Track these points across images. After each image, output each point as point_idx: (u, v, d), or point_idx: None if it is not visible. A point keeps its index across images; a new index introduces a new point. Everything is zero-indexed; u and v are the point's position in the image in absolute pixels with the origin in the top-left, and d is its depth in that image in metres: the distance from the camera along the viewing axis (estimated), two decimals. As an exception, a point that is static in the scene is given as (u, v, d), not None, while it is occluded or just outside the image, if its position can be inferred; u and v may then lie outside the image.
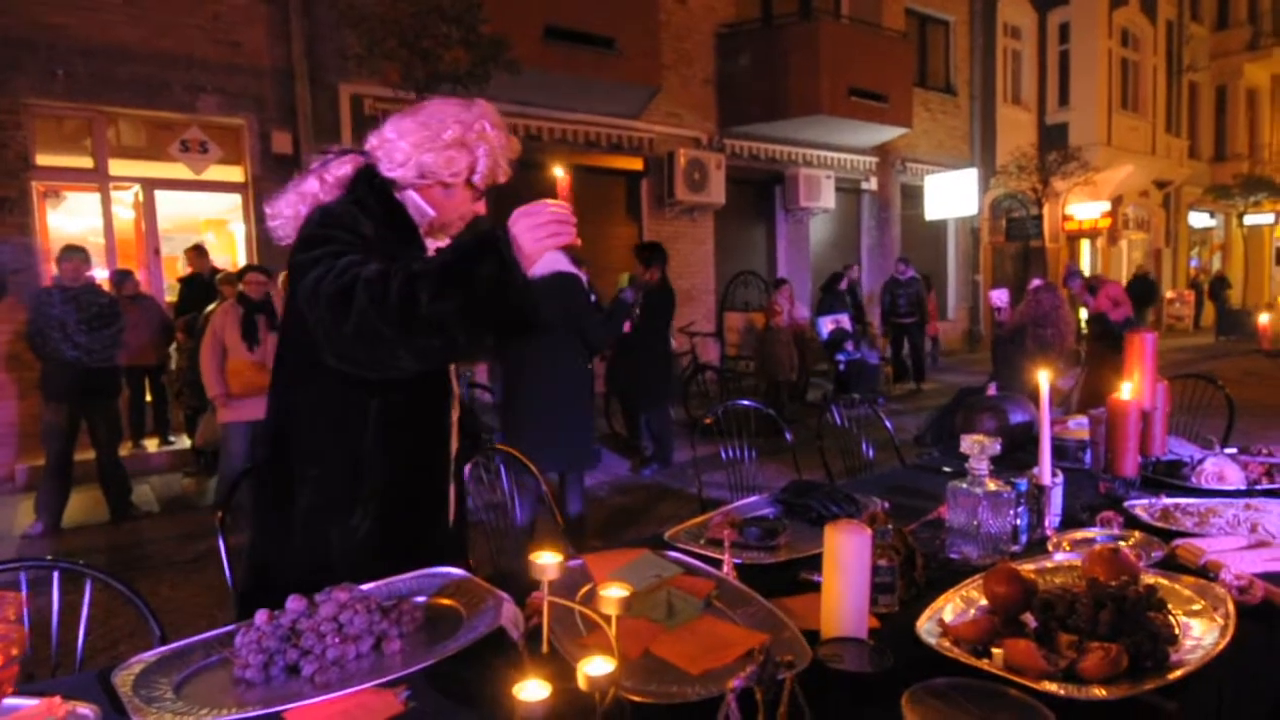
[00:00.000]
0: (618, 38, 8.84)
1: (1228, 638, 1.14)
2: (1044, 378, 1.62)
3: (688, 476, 5.94)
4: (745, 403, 3.14)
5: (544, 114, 9.29)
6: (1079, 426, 2.48)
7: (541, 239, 1.31)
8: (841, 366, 9.83)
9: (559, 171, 1.39)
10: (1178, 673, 1.07)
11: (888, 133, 12.24)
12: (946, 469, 2.34)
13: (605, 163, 10.15)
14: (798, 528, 1.81)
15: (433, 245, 1.67)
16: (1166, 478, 2.07)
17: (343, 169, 1.58)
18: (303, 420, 1.53)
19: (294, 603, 1.28)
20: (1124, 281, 16.00)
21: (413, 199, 1.58)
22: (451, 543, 1.69)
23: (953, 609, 1.32)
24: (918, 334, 10.89)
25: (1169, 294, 19.79)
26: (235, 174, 8.01)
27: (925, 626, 1.23)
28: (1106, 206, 16.53)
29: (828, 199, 12.04)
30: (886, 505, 1.92)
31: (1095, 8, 15.81)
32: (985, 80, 15.24)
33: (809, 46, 10.70)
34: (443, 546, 1.63)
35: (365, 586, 1.42)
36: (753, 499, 2.03)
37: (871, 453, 3.51)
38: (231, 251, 9.19)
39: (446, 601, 1.42)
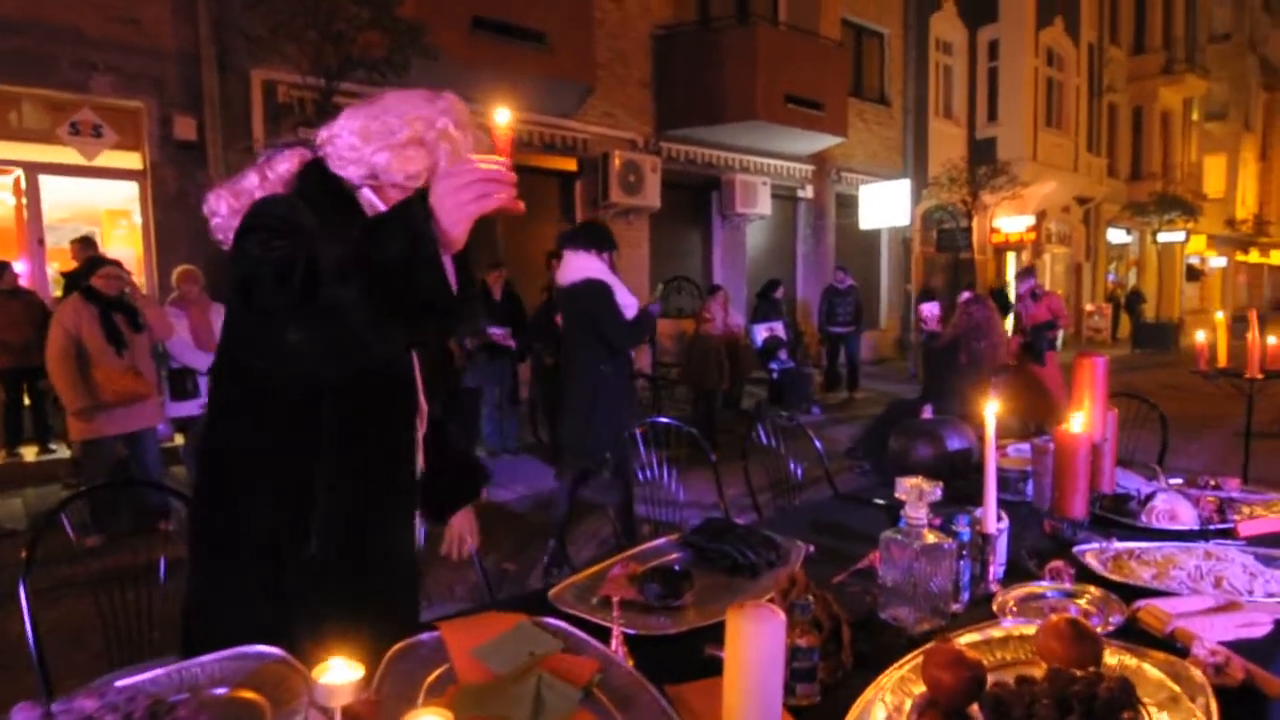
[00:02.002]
0: (549, 32, 8.53)
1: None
2: (990, 414, 1.41)
3: (615, 489, 5.67)
4: (664, 420, 2.89)
5: (472, 109, 8.91)
6: (1018, 454, 2.29)
7: (465, 203, 1.06)
8: (775, 375, 9.71)
9: (499, 117, 1.09)
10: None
11: (824, 141, 12.23)
12: (879, 500, 2.12)
13: (538, 162, 9.82)
14: (709, 578, 1.56)
15: None
16: (1114, 515, 1.90)
17: (286, 164, 1.42)
18: (242, 436, 1.37)
19: (21, 714, 0.95)
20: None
21: (366, 198, 1.41)
22: (407, 575, 1.52)
23: (885, 704, 1.07)
24: (854, 343, 10.87)
25: (1088, 307, 20.45)
26: (132, 160, 7.40)
27: (852, 736, 0.99)
28: (1032, 220, 16.95)
29: (764, 206, 11.96)
30: (811, 549, 1.69)
31: (1022, 27, 16.20)
32: (918, 93, 15.45)
33: (746, 51, 10.59)
34: (399, 579, 1.48)
35: (152, 674, 1.11)
36: (659, 542, 1.77)
37: (800, 472, 3.31)
38: (136, 244, 8.55)
39: (250, 695, 1.11)
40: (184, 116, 7.33)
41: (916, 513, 1.35)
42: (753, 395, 10.10)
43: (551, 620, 1.28)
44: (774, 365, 9.61)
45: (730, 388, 8.57)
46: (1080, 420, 1.68)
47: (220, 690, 1.11)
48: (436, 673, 1.17)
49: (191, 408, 5.67)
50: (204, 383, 5.79)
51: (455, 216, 1.06)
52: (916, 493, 1.34)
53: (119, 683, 1.05)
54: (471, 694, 1.11)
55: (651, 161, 10.56)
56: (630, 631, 1.28)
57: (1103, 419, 1.77)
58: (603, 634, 1.28)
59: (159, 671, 1.12)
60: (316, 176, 1.39)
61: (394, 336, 1.18)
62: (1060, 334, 7.46)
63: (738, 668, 0.95)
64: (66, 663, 3.07)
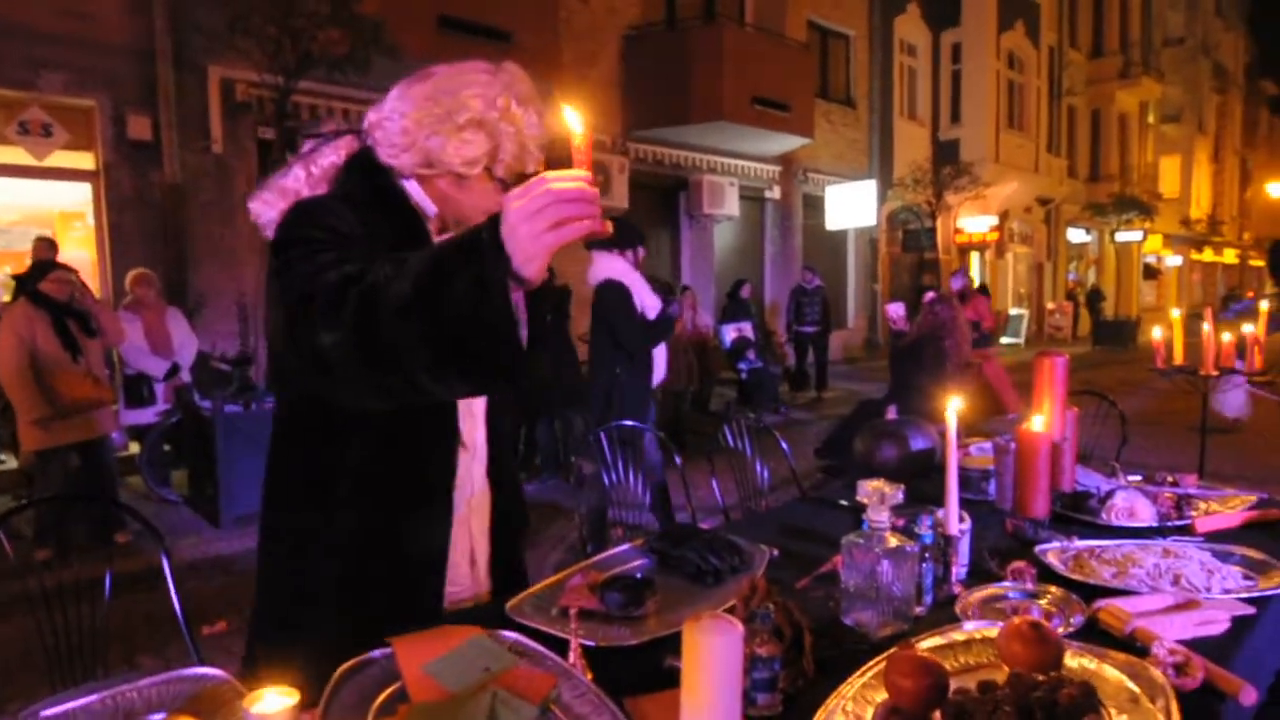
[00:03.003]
0: (515, 32, 8.48)
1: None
2: (951, 413, 1.40)
3: (591, 493, 5.63)
4: (629, 423, 2.87)
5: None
6: (981, 453, 2.30)
7: (541, 233, 0.89)
8: (744, 375, 9.74)
9: (574, 123, 0.92)
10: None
11: (790, 142, 12.30)
12: (843, 502, 2.11)
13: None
14: (672, 585, 1.53)
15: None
16: (1075, 513, 1.90)
17: (332, 156, 1.32)
18: (282, 459, 1.38)
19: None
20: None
21: (414, 191, 1.29)
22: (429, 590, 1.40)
23: (845, 711, 1.05)
24: (821, 343, 10.94)
25: (1049, 305, 20.84)
26: (85, 160, 7.20)
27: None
28: (994, 221, 17.22)
29: (732, 206, 12.00)
30: (775, 554, 1.67)
31: (984, 30, 16.46)
32: (883, 95, 15.62)
33: (712, 52, 10.62)
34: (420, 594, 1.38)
35: (84, 700, 1.05)
36: (623, 548, 1.74)
37: (766, 474, 3.30)
38: (90, 247, 8.31)
39: (188, 721, 1.05)
40: (138, 115, 7.15)
41: (878, 516, 1.33)
42: (722, 396, 10.11)
43: (508, 634, 1.25)
44: (742, 366, 9.64)
45: (699, 389, 8.57)
46: (1041, 420, 1.68)
47: (156, 716, 1.06)
48: (388, 692, 1.13)
49: (147, 415, 5.53)
50: (160, 389, 5.65)
51: (530, 251, 0.89)
52: (878, 496, 1.33)
53: (46, 712, 0.99)
54: (423, 712, 1.07)
55: (619, 162, 10.54)
56: (589, 643, 1.24)
57: (1063, 418, 1.78)
58: (561, 646, 1.24)
59: (92, 698, 1.06)
60: (361, 170, 1.29)
61: (453, 389, 1.06)
62: (986, 337, 7.59)
63: (695, 682, 0.92)
64: (16, 684, 2.97)
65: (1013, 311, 19.37)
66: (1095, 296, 20.96)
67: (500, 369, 0.95)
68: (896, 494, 1.33)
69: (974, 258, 18.41)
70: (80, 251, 8.05)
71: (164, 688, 1.10)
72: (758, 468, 3.21)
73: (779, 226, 13.67)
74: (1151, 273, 26.84)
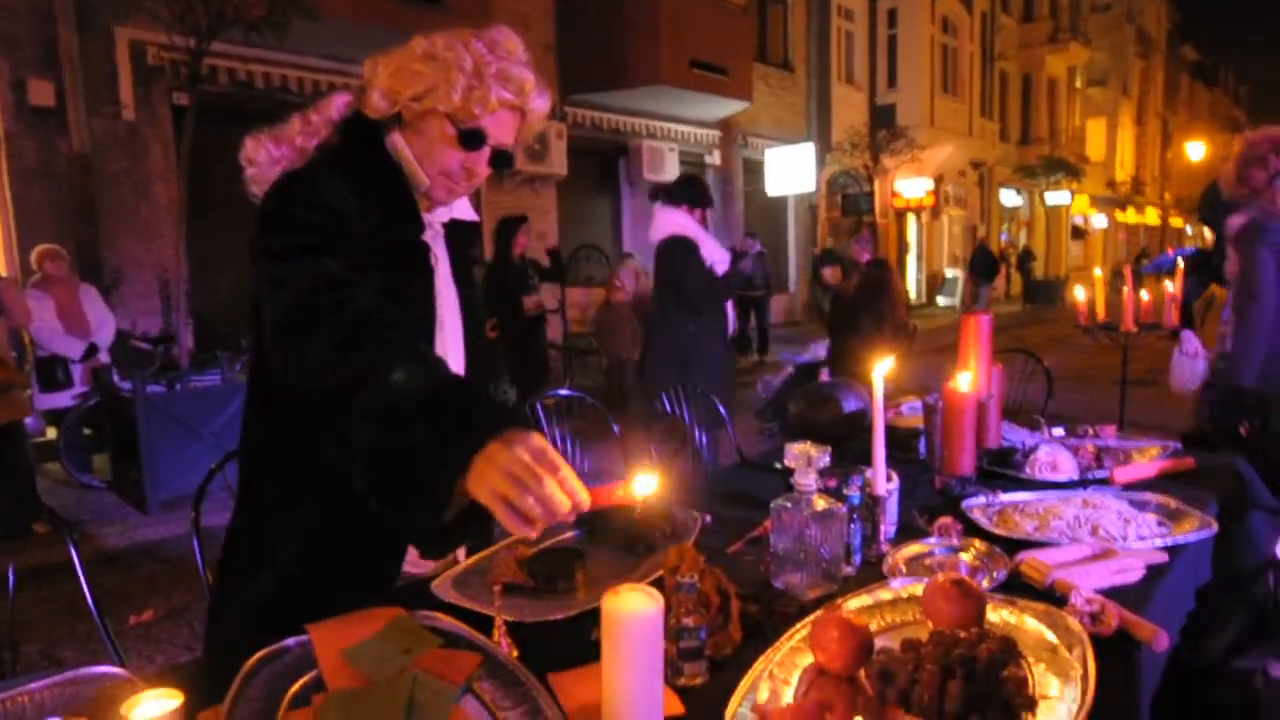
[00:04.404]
0: (443, -9, 8.19)
1: (1089, 699, 0.93)
2: (878, 376, 1.39)
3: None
4: (564, 392, 2.83)
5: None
6: (912, 412, 2.33)
7: (499, 493, 0.88)
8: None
9: (639, 485, 0.94)
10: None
11: (729, 106, 12.24)
12: (778, 465, 2.12)
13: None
14: (604, 556, 1.51)
15: (435, 220, 1.32)
16: (1000, 468, 1.94)
17: (331, 106, 1.29)
18: (254, 430, 1.32)
19: None
20: (968, 254, 17.18)
21: (396, 147, 1.25)
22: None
23: (772, 675, 1.05)
24: (764, 307, 11.02)
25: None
26: (-18, 129, 6.75)
27: (739, 714, 0.95)
28: (930, 184, 17.51)
29: (672, 172, 11.92)
30: (708, 519, 1.66)
31: (919, -6, 16.57)
32: (821, 59, 15.63)
33: (650, 15, 10.45)
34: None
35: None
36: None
37: (705, 439, 3.31)
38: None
39: (83, 724, 0.99)
40: (40, 79, 6.71)
41: (805, 479, 1.33)
42: (666, 362, 10.11)
43: (429, 614, 1.21)
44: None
45: (643, 355, 8.54)
46: (966, 378, 1.70)
47: None
48: (302, 681, 1.08)
49: (63, 399, 5.27)
50: (77, 371, 5.38)
51: (481, 491, 0.90)
52: (805, 459, 1.32)
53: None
54: (339, 700, 1.03)
55: (557, 128, 10.35)
56: (514, 620, 1.21)
57: (988, 376, 1.80)
58: (488, 624, 1.21)
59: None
60: (355, 131, 1.26)
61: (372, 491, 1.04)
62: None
63: (614, 656, 0.90)
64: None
65: (948, 274, 19.82)
66: (1026, 257, 21.58)
67: (409, 521, 1.02)
68: (823, 457, 1.33)
69: (911, 221, 18.74)
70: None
71: (59, 689, 1.04)
72: (697, 434, 3.21)
73: (720, 192, 13.64)
74: (1079, 233, 27.75)
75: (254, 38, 5.93)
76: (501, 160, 1.29)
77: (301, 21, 5.80)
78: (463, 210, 1.40)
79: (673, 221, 3.82)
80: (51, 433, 5.79)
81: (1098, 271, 3.82)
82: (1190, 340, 2.73)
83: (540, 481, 0.87)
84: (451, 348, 1.36)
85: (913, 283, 18.78)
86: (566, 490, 0.89)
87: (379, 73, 1.24)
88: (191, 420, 4.84)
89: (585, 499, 0.91)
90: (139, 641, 3.18)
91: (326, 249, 1.09)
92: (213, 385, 5.17)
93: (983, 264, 16.93)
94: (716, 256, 3.83)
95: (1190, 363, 2.71)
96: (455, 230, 1.40)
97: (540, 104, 1.29)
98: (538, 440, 0.90)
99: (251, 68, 7.59)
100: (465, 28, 1.26)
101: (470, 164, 1.25)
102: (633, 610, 0.89)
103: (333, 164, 1.23)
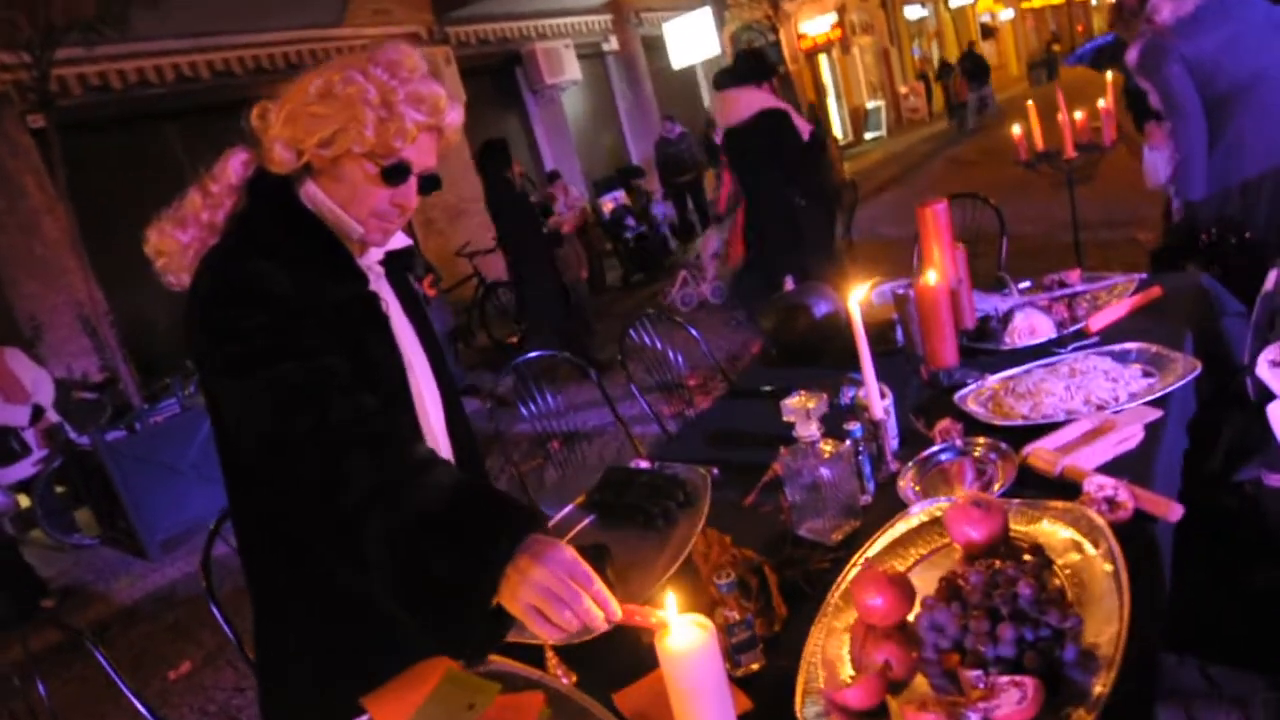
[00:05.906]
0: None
1: (1126, 601, 0.97)
2: (854, 304, 1.37)
3: (511, 416, 5.52)
4: (535, 354, 2.79)
5: (229, 42, 7.86)
6: (881, 298, 2.33)
7: (534, 606, 0.89)
8: (630, 243, 9.64)
9: (665, 611, 0.91)
10: (1099, 689, 0.88)
11: (614, -15, 11.62)
12: (766, 388, 2.12)
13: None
14: (624, 538, 1.51)
15: (371, 263, 1.23)
16: (981, 343, 1.96)
17: (227, 171, 1.18)
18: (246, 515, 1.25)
19: None
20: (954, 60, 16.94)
21: (312, 198, 1.16)
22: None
23: (824, 652, 1.07)
24: (698, 189, 10.83)
25: (903, 89, 21.05)
26: None
27: (809, 713, 0.98)
28: (834, 18, 17.01)
29: (573, 70, 11.41)
30: (716, 473, 1.66)
31: None
32: (695, -90, 14.75)
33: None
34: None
35: None
36: (566, 510, 1.70)
37: (681, 360, 3.29)
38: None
39: None
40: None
41: (808, 430, 1.32)
42: (613, 269, 10.02)
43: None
44: (627, 236, 9.52)
45: (590, 272, 8.45)
46: (934, 273, 1.68)
47: None
48: (374, 762, 1.09)
49: (24, 468, 5.09)
50: (30, 436, 5.18)
51: (514, 605, 0.90)
52: (803, 412, 1.31)
53: None
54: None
55: (443, 52, 9.76)
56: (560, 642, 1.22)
57: (954, 261, 1.79)
58: (534, 652, 1.22)
59: None
60: (262, 194, 1.16)
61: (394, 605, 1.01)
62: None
63: (680, 691, 0.91)
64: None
65: (870, 105, 19.54)
66: (945, 71, 21.27)
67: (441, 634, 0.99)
68: (820, 405, 1.32)
69: (823, 61, 18.30)
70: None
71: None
72: (672, 357, 3.19)
73: (626, 79, 13.14)
74: (989, 32, 27.33)
75: (95, 37, 5.43)
76: (429, 184, 1.21)
77: (141, 12, 5.30)
78: (394, 240, 1.32)
79: (755, 99, 3.78)
80: (25, 501, 5.63)
81: (1029, 103, 3.73)
82: (1154, 134, 2.71)
83: (577, 597, 0.88)
84: (425, 389, 1.31)
85: (837, 123, 18.52)
86: (600, 603, 0.91)
87: (271, 122, 1.13)
88: (164, 458, 4.73)
89: (618, 612, 0.92)
90: (188, 694, 3.19)
91: (283, 351, 1.04)
92: (173, 416, 5.02)
93: (974, 68, 16.86)
94: (800, 124, 3.85)
95: (1157, 157, 2.71)
96: (392, 260, 1.32)
97: (455, 116, 1.20)
98: (568, 553, 0.92)
99: (103, 69, 6.98)
100: (354, 55, 1.14)
101: (400, 199, 1.17)
102: (689, 648, 0.89)
103: (253, 239, 1.13)
